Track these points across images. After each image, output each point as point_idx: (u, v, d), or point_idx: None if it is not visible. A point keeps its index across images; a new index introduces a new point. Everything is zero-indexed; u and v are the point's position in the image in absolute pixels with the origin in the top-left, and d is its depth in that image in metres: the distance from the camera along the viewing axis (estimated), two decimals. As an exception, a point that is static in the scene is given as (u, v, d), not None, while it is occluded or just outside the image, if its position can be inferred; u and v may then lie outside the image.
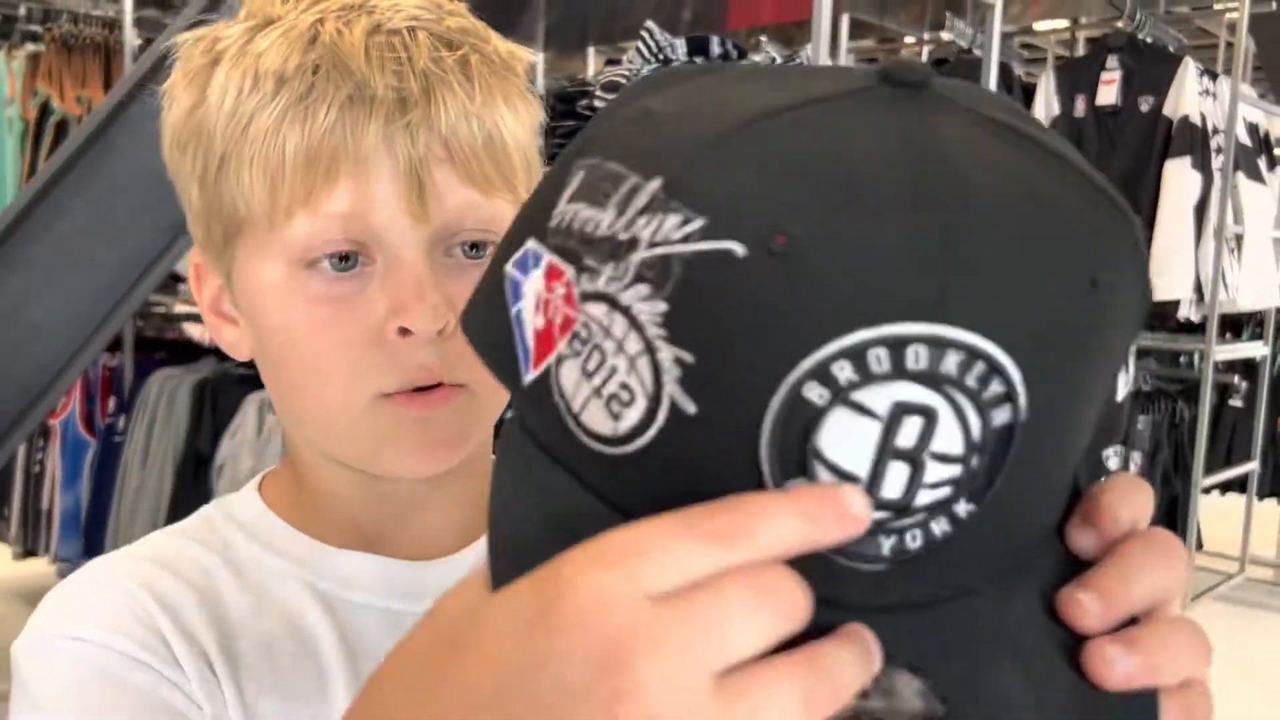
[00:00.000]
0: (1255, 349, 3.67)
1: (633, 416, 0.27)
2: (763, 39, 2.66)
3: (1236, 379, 3.67)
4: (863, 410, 0.26)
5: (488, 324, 0.33)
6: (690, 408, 0.27)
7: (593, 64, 3.04)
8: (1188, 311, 2.91)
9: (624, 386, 0.28)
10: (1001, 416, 0.26)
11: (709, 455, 0.27)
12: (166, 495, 3.10)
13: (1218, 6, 3.39)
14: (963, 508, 0.27)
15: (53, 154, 2.83)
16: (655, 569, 0.25)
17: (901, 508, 0.27)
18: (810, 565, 0.26)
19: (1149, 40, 2.87)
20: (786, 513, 0.26)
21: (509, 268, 0.32)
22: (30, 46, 3.47)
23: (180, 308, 3.48)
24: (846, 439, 0.26)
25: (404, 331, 0.47)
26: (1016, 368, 0.26)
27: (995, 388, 0.26)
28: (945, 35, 3.10)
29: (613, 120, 0.31)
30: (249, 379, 3.08)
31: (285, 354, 0.50)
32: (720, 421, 0.27)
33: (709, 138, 0.28)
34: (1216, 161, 2.79)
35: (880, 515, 0.26)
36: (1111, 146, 2.83)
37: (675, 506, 0.26)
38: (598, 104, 2.11)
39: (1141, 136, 2.80)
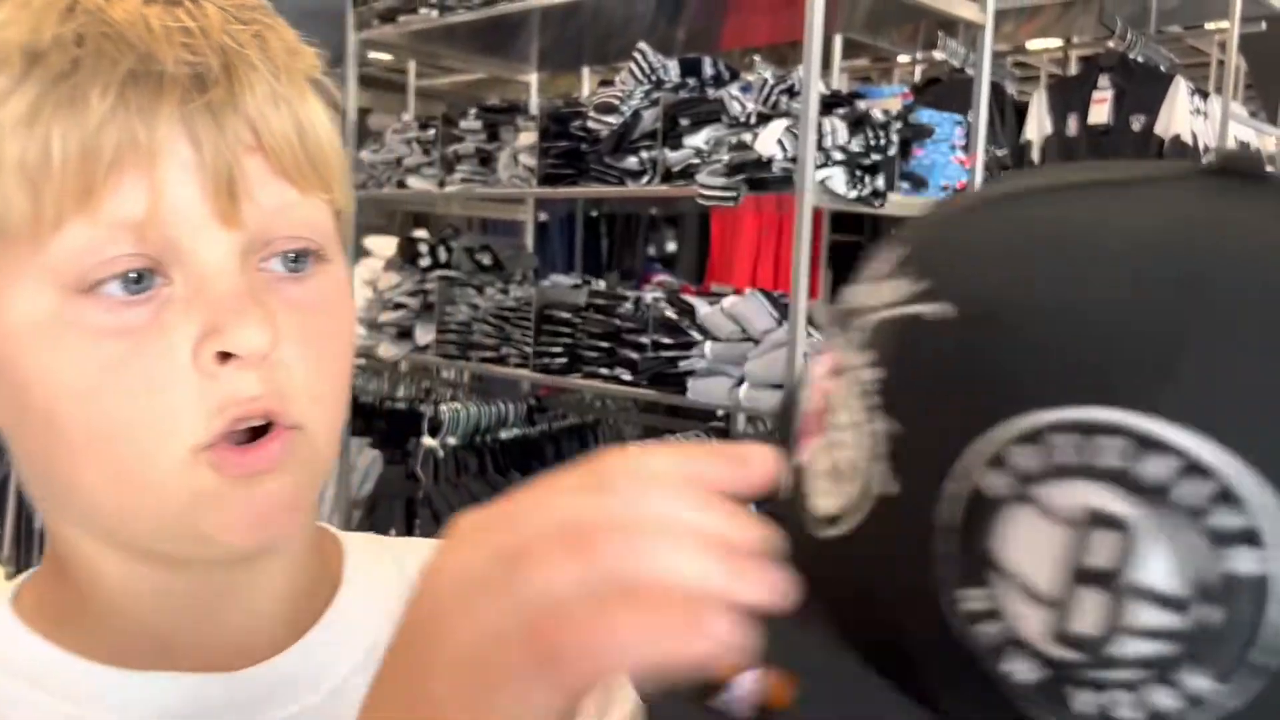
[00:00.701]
0: None
1: (842, 496, 0.26)
2: (756, 59, 2.67)
3: None
4: (1046, 511, 0.21)
5: (789, 409, 0.31)
6: (894, 488, 0.24)
7: (587, 84, 3.05)
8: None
9: (849, 461, 0.26)
10: (1245, 563, 0.20)
11: (900, 546, 0.24)
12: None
13: (1209, 26, 3.41)
14: (1201, 683, 0.21)
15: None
16: (502, 521, 0.28)
17: (1097, 652, 0.21)
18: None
19: (1140, 59, 2.89)
20: (668, 454, 0.26)
21: (814, 355, 0.33)
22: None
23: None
24: (1035, 548, 0.22)
25: (224, 357, 0.37)
26: (1262, 491, 0.20)
27: (1228, 518, 0.20)
28: (938, 55, 3.11)
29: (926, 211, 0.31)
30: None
31: (56, 413, 0.38)
32: (916, 506, 0.24)
33: (958, 210, 0.28)
34: (1208, 180, 2.80)
35: (1070, 655, 0.21)
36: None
37: (858, 603, 0.24)
38: (590, 124, 2.12)
39: (1134, 155, 2.81)
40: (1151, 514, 0.20)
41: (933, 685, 0.23)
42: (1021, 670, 0.22)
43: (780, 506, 0.29)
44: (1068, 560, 0.21)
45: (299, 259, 0.41)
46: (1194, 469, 0.20)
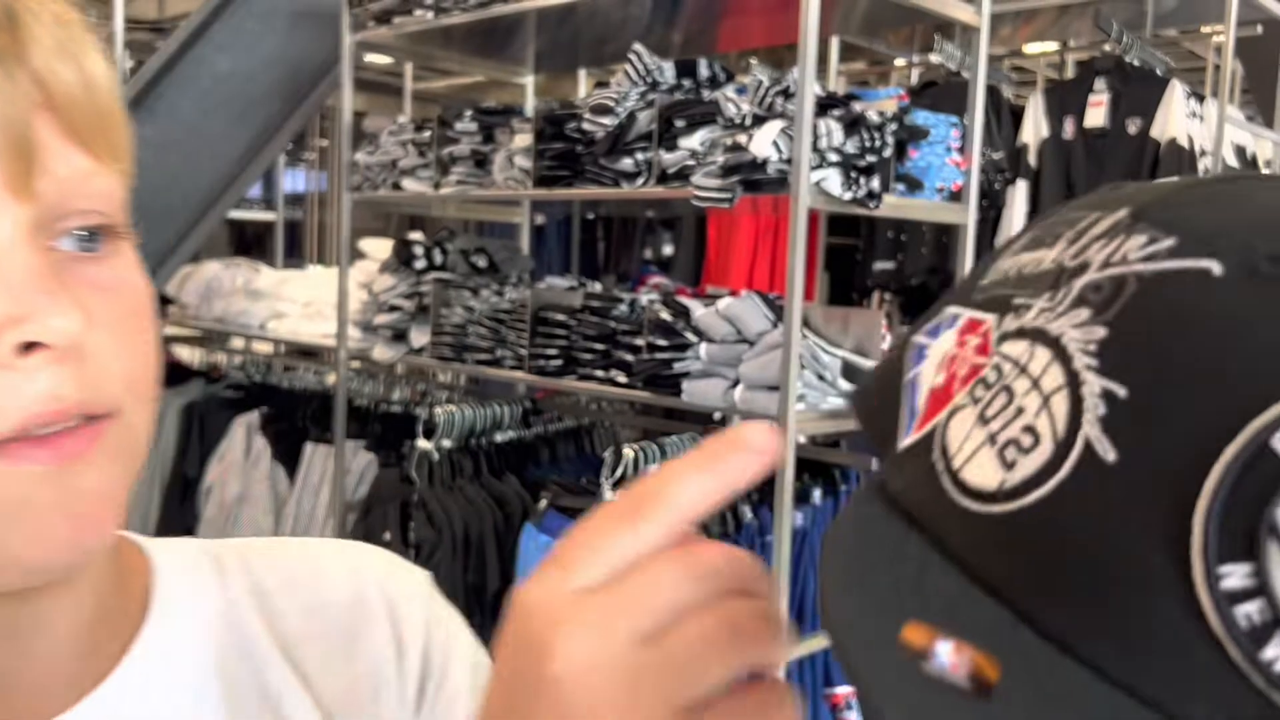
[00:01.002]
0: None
1: (1031, 464, 0.23)
2: (753, 61, 2.66)
3: None
4: None
5: (874, 397, 0.31)
6: (1110, 455, 0.22)
7: (584, 86, 3.04)
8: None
9: (1027, 430, 0.24)
10: None
11: (1118, 518, 0.22)
12: (154, 518, 3.08)
13: (1205, 30, 3.41)
14: None
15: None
16: (582, 565, 0.27)
17: None
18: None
19: (1136, 63, 2.89)
20: (691, 470, 0.27)
21: (917, 337, 0.30)
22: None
23: (169, 330, 3.46)
24: None
25: (27, 348, 0.32)
26: None
27: None
28: (934, 58, 3.11)
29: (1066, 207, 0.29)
30: (238, 402, 3.07)
31: None
32: (1145, 474, 0.22)
33: (1186, 181, 0.27)
34: (1205, 183, 2.80)
35: None
36: (1100, 168, 2.84)
37: (1051, 582, 0.22)
38: (586, 126, 2.12)
39: (1130, 158, 2.81)
40: None
41: (1152, 673, 0.21)
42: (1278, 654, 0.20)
43: (906, 481, 0.28)
44: None
45: (93, 236, 0.35)
46: None
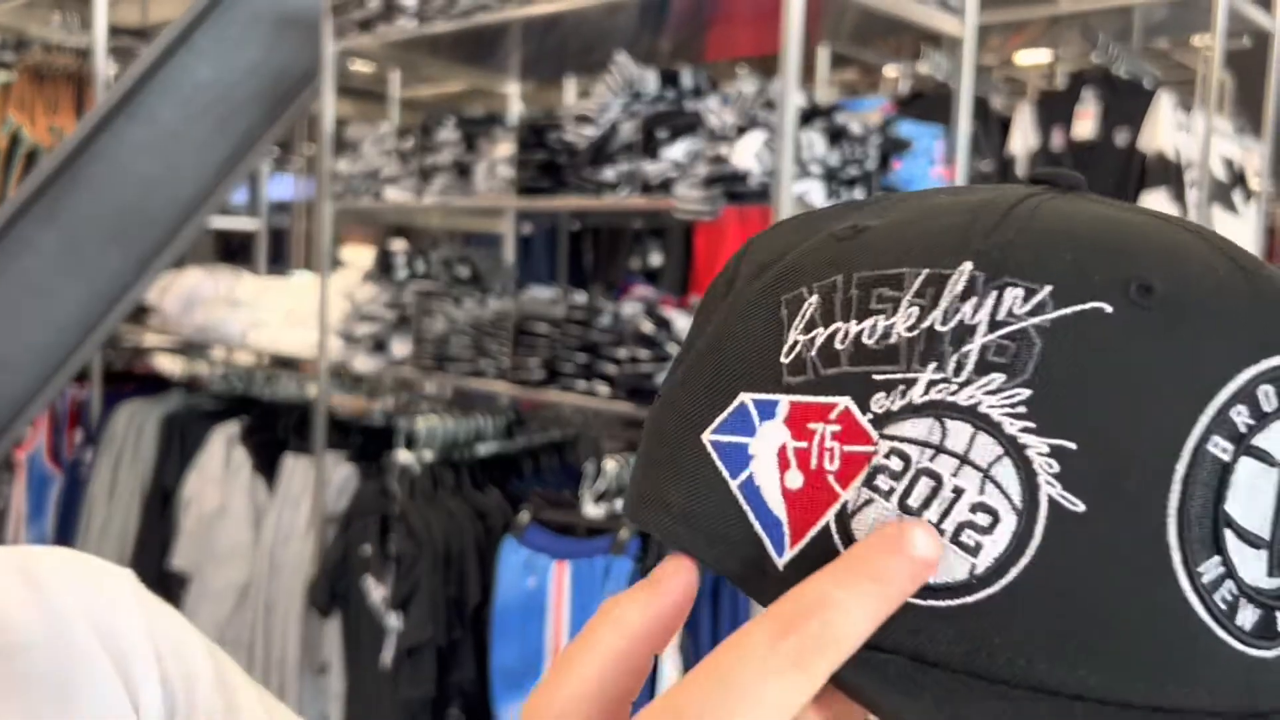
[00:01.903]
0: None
1: (1000, 541, 0.23)
2: (740, 71, 2.65)
3: None
4: (1267, 459, 0.23)
5: (686, 515, 0.27)
6: (1079, 506, 0.23)
7: (571, 94, 3.03)
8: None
9: (978, 508, 0.23)
10: None
11: (1107, 561, 0.23)
12: (133, 530, 3.04)
13: (1195, 42, 3.40)
14: None
15: (21, 184, 2.80)
16: None
17: None
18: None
19: (1124, 74, 2.88)
20: (854, 597, 0.22)
21: (710, 436, 0.26)
22: (1, 75, 3.44)
23: (150, 340, 3.43)
24: (1255, 497, 0.23)
25: None
26: None
27: None
28: (922, 69, 3.10)
29: (809, 251, 0.27)
30: (217, 413, 3.04)
31: None
32: (1117, 513, 0.22)
33: (989, 222, 0.25)
34: (1192, 195, 2.79)
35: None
36: (1089, 179, 2.82)
37: (1068, 643, 0.22)
38: (568, 137, 2.09)
39: (1118, 169, 2.79)
40: None
41: (1170, 685, 0.23)
42: (1248, 617, 0.23)
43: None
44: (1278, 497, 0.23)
45: None
46: None
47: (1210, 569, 0.23)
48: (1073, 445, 0.22)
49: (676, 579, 0.26)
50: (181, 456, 2.92)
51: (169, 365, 3.50)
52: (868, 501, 0.24)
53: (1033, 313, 0.23)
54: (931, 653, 0.23)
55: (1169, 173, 2.73)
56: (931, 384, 0.24)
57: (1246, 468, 0.23)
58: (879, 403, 0.24)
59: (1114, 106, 2.83)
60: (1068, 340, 0.23)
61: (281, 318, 2.96)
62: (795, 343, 0.26)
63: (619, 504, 2.06)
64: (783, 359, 0.26)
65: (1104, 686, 0.22)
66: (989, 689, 0.23)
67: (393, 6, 2.44)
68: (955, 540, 0.23)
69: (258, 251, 3.94)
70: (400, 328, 2.52)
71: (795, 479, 0.25)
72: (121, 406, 3.09)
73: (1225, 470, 0.23)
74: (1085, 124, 2.85)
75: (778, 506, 0.25)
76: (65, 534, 3.14)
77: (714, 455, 0.26)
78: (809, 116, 1.83)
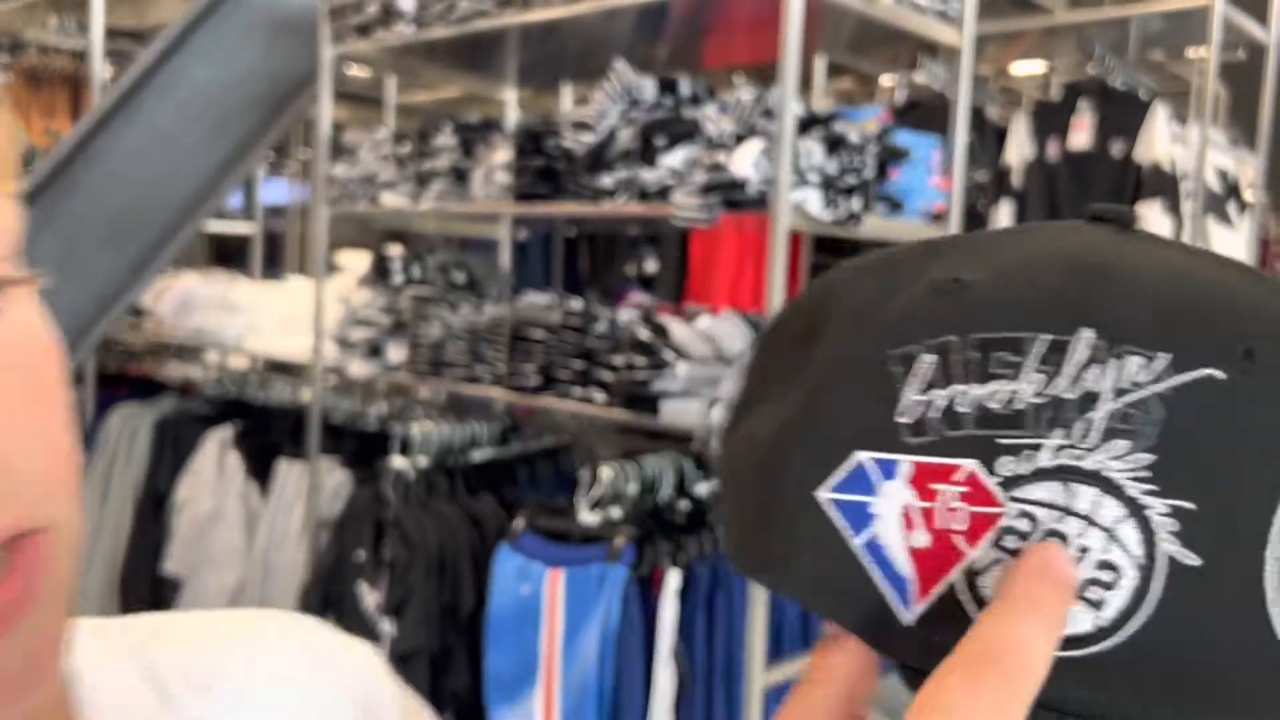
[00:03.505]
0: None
1: (1122, 595, 0.25)
2: (738, 80, 2.65)
3: None
4: None
5: (804, 571, 0.27)
6: (1193, 560, 0.24)
7: (568, 101, 3.03)
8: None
9: (1103, 566, 0.25)
10: None
11: (1222, 611, 0.25)
12: (126, 534, 3.03)
13: (1191, 54, 3.42)
14: None
15: (16, 186, 2.79)
16: None
17: None
18: None
19: (1120, 85, 2.89)
20: (1030, 630, 0.24)
21: (827, 494, 0.27)
22: (-3, 77, 3.44)
23: (144, 343, 3.42)
24: None
25: None
26: None
27: None
28: (919, 78, 3.11)
29: (911, 305, 0.28)
30: (210, 416, 3.03)
31: None
32: (1226, 565, 0.24)
33: (1091, 281, 0.26)
34: (1187, 206, 2.80)
35: None
36: (1084, 190, 2.84)
37: (1185, 689, 0.24)
38: (565, 143, 2.10)
39: (1113, 180, 2.80)
40: None
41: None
42: None
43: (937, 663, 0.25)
44: None
45: None
46: None
47: None
48: (1192, 506, 0.24)
49: (838, 664, 0.26)
50: (175, 460, 2.91)
51: (163, 369, 3.49)
52: (996, 561, 0.26)
53: (1154, 380, 0.25)
54: (1060, 700, 0.25)
55: (1165, 184, 2.73)
56: (1059, 449, 0.25)
57: None
58: (1006, 466, 0.25)
59: (1109, 117, 2.84)
60: (1187, 407, 0.24)
61: (276, 322, 2.96)
62: (912, 403, 0.26)
63: (614, 511, 2.06)
64: (899, 419, 0.26)
65: None
66: None
67: (391, 12, 2.44)
68: (1081, 595, 0.25)
69: (253, 256, 3.93)
70: (396, 333, 2.52)
71: (921, 538, 0.26)
72: (115, 410, 3.08)
73: None
74: (1081, 135, 2.86)
75: (903, 564, 0.26)
76: (57, 538, 3.12)
77: (832, 513, 0.27)
78: (807, 125, 1.83)
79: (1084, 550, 0.25)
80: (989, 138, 3.10)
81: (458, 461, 2.42)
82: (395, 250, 2.74)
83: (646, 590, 1.96)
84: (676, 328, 2.00)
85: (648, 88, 2.07)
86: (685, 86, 2.09)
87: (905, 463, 0.26)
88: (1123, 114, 2.83)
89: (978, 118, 3.06)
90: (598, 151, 2.04)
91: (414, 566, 2.25)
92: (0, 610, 0.23)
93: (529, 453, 2.56)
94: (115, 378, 3.40)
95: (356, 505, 2.49)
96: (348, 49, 2.57)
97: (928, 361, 0.26)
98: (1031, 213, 2.90)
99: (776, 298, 1.75)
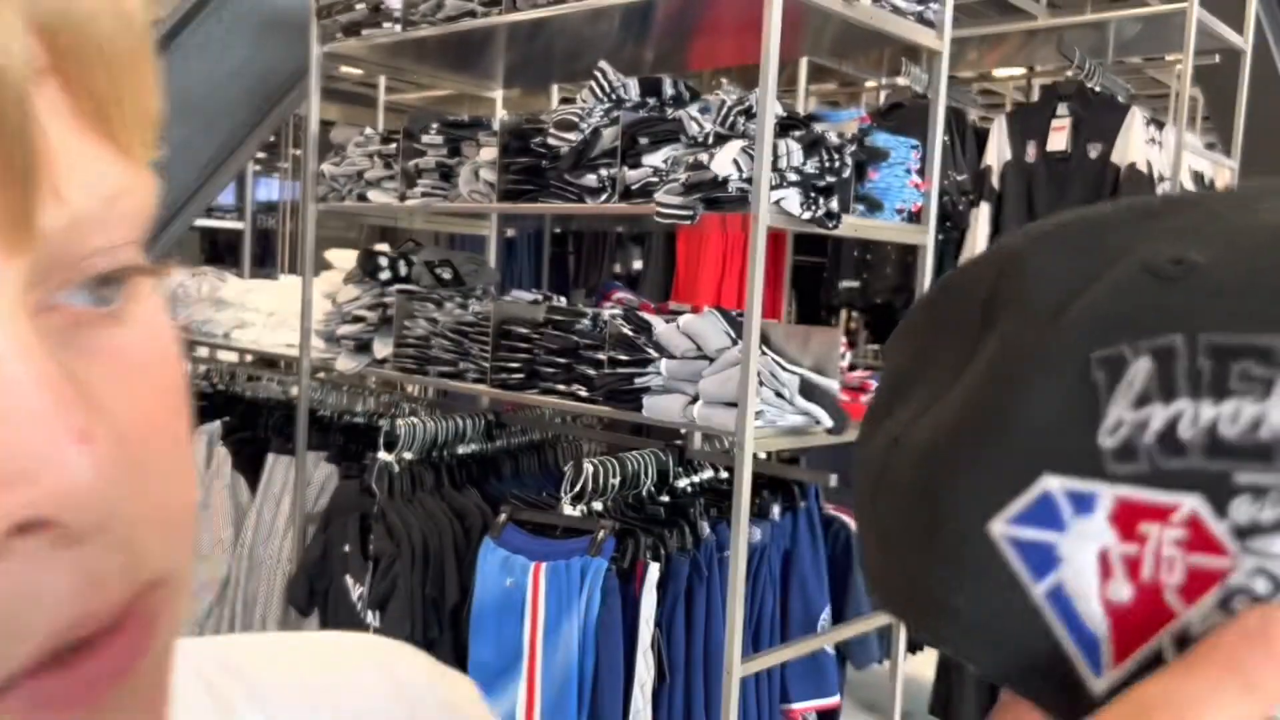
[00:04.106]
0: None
1: None
2: (725, 81, 2.69)
3: None
4: None
5: (974, 623, 0.22)
6: None
7: (555, 101, 3.06)
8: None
9: None
10: None
11: None
12: (113, 528, 3.04)
13: (1169, 59, 3.47)
14: None
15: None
16: None
17: None
18: None
19: (1098, 89, 2.94)
20: (1219, 700, 0.19)
21: (1003, 529, 0.22)
22: None
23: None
24: None
25: (26, 529, 0.18)
26: None
27: None
28: (901, 81, 3.15)
29: (1118, 290, 0.22)
30: (200, 411, 3.05)
31: None
32: None
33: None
34: (1164, 208, 2.85)
35: None
36: (1062, 192, 2.89)
37: None
38: (551, 141, 2.13)
39: (1091, 182, 2.85)
40: None
41: None
42: None
43: None
44: None
45: (107, 288, 0.21)
46: None
47: None
48: None
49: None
50: (162, 455, 2.92)
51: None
52: (1214, 622, 0.20)
53: None
54: None
55: (1142, 185, 2.78)
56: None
57: None
58: (1242, 510, 0.20)
59: (1087, 120, 2.89)
60: None
61: (265, 318, 2.98)
62: (1120, 421, 0.21)
63: (596, 505, 2.09)
64: (1102, 440, 0.21)
65: None
66: None
67: (378, 11, 2.47)
68: None
69: (243, 252, 3.95)
70: (382, 329, 2.55)
71: (1122, 590, 0.21)
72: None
73: None
74: (1059, 137, 2.91)
75: (1096, 622, 0.21)
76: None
77: (1009, 553, 0.22)
78: (787, 126, 1.87)
79: None
80: (969, 139, 3.14)
81: (443, 456, 2.45)
82: (383, 247, 2.76)
83: (627, 583, 2.00)
84: (659, 325, 2.04)
85: (632, 88, 2.11)
86: (668, 87, 2.13)
87: (1107, 495, 0.21)
88: (1100, 117, 2.88)
89: (959, 119, 3.11)
90: (582, 150, 2.08)
91: (399, 560, 2.28)
92: (106, 670, 0.20)
93: (513, 447, 2.59)
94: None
95: (342, 499, 2.52)
96: (336, 47, 2.60)
97: (1143, 369, 0.21)
98: (1009, 214, 2.94)
99: (756, 293, 1.78)
